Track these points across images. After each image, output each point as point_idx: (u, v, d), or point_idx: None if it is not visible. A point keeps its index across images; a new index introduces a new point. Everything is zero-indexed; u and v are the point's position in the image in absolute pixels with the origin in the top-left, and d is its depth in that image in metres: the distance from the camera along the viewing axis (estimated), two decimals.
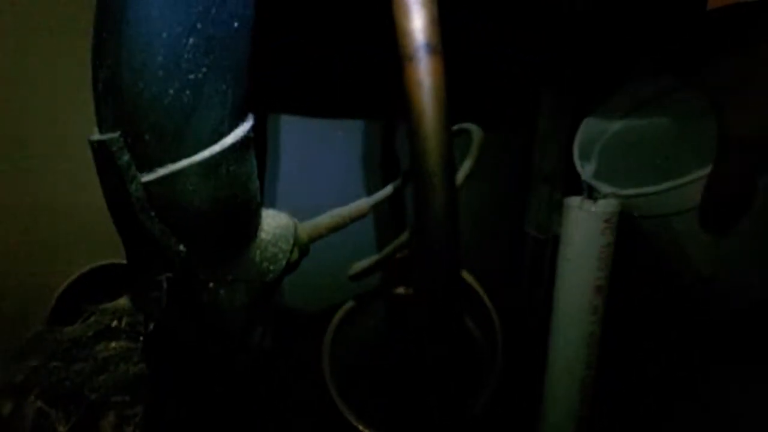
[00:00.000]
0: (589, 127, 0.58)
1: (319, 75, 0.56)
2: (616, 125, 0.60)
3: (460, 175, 0.41)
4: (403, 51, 0.29)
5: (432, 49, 0.29)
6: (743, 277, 0.58)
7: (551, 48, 0.57)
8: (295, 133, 0.59)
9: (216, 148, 0.34)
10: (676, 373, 0.66)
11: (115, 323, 0.43)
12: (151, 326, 0.36)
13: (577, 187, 0.57)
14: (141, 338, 0.40)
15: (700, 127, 0.54)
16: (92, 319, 0.43)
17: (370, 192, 0.45)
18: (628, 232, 0.57)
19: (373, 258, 0.44)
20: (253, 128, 0.36)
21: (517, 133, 0.62)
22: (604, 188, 0.54)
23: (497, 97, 0.61)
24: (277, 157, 0.59)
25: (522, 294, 0.63)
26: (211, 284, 0.35)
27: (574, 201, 0.57)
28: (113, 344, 0.42)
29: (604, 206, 0.56)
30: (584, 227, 0.55)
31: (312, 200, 0.58)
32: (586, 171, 0.56)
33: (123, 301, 0.42)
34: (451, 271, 0.30)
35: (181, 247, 0.34)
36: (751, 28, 0.48)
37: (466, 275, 0.45)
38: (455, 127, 0.45)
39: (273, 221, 0.39)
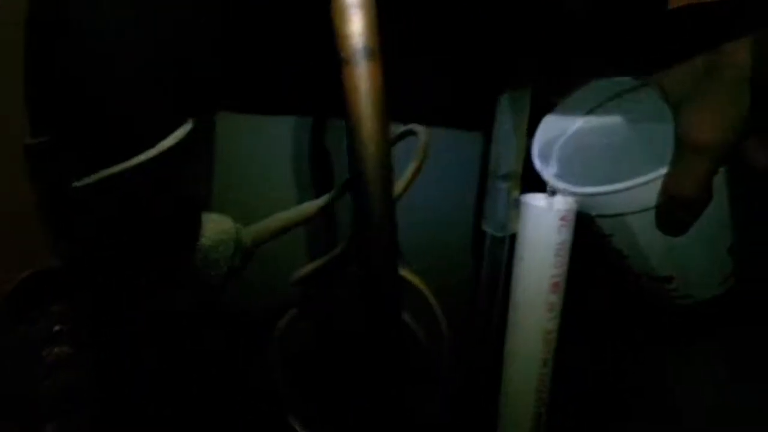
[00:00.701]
0: (548, 126, 0.58)
1: (269, 72, 0.55)
2: (575, 125, 0.60)
3: (405, 178, 0.41)
4: (341, 54, 0.29)
5: (370, 52, 0.29)
6: (699, 276, 0.59)
7: (509, 46, 0.57)
8: (243, 132, 0.58)
9: (153, 152, 0.33)
10: (638, 371, 0.66)
11: (58, 328, 0.42)
12: (91, 332, 0.35)
13: (535, 184, 0.57)
14: (82, 344, 0.39)
15: (658, 128, 0.54)
16: (36, 324, 0.43)
17: (322, 192, 0.44)
18: (587, 230, 0.57)
19: (316, 263, 0.43)
20: (193, 131, 0.35)
21: (477, 130, 0.62)
22: (561, 186, 0.54)
23: (456, 94, 0.60)
24: (224, 156, 0.58)
25: (481, 293, 0.63)
26: (151, 290, 0.35)
27: (530, 198, 0.57)
28: (57, 350, 0.41)
29: (561, 204, 0.56)
30: (540, 225, 0.56)
31: (261, 200, 0.58)
32: (544, 169, 0.56)
33: (65, 307, 0.41)
34: (390, 277, 0.30)
35: (120, 253, 0.33)
36: (710, 29, 0.48)
37: (412, 276, 0.45)
38: (402, 129, 0.45)
39: (215, 226, 0.38)
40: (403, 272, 0.44)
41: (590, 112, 0.59)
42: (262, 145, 0.59)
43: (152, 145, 0.33)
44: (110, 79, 0.31)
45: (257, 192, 0.58)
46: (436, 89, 0.60)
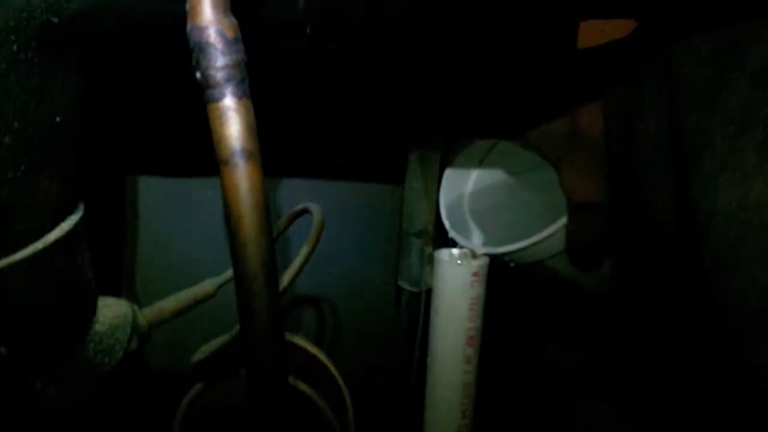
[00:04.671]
0: (450, 185, 0.60)
1: (183, 131, 0.55)
2: (470, 183, 0.62)
3: (298, 261, 0.41)
4: (219, 156, 0.29)
5: (248, 154, 0.29)
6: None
7: (419, 105, 0.58)
8: (160, 196, 0.57)
9: (39, 246, 0.33)
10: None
11: None
12: None
13: (449, 239, 0.58)
14: None
15: (543, 176, 0.56)
16: None
17: None
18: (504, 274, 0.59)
19: (218, 341, 0.43)
20: (82, 220, 0.35)
21: (393, 186, 0.63)
22: (476, 248, 0.56)
23: (372, 152, 0.61)
24: (142, 222, 0.57)
25: (400, 348, 0.64)
26: (38, 384, 0.34)
27: (443, 255, 0.58)
28: None
29: (473, 260, 0.57)
30: (454, 281, 0.57)
31: (183, 267, 0.58)
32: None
33: None
34: (275, 375, 0.30)
35: (3, 350, 0.33)
36: (577, 88, 0.50)
37: (311, 347, 0.45)
38: (299, 207, 0.45)
39: (109, 311, 0.38)
40: (304, 344, 0.45)
41: (480, 164, 0.60)
42: (190, 208, 0.59)
43: (38, 239, 0.33)
44: None
45: (186, 258, 0.58)
46: (356, 146, 0.61)
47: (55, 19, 0.31)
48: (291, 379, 0.43)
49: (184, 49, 0.30)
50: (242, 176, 0.29)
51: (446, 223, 0.57)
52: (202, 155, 0.56)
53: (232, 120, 0.29)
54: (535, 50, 0.52)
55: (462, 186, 0.62)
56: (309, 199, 0.49)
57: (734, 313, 0.35)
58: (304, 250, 0.42)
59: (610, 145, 0.46)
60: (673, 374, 0.57)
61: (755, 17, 0.36)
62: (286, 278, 0.41)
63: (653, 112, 0.41)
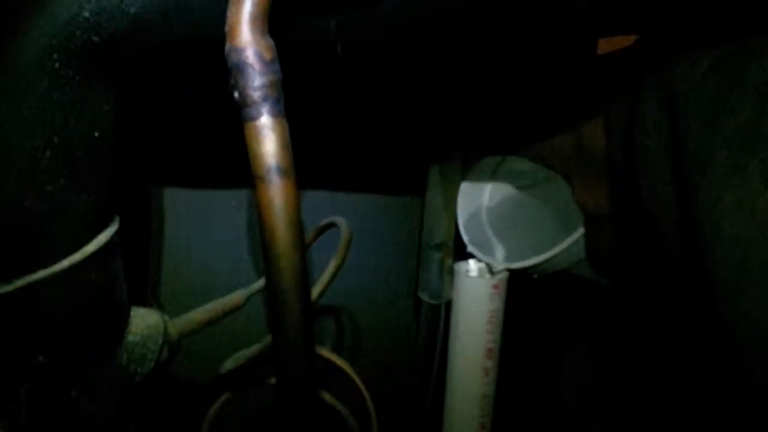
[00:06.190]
0: (466, 200, 0.61)
1: (207, 144, 0.56)
2: (486, 198, 0.63)
3: (327, 274, 0.42)
4: (255, 172, 0.30)
5: (282, 171, 0.30)
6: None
7: (439, 120, 0.59)
8: (185, 206, 0.58)
9: (77, 257, 0.33)
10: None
11: None
12: None
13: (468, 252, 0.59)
14: None
15: (551, 189, 0.57)
16: None
17: None
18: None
19: (249, 350, 0.44)
20: (117, 233, 0.36)
21: (413, 199, 0.64)
22: (496, 262, 0.56)
23: (393, 165, 0.62)
24: (167, 232, 0.58)
25: (419, 359, 0.64)
26: (73, 392, 0.35)
27: (463, 267, 0.59)
28: None
29: (493, 272, 0.58)
30: (473, 293, 0.57)
31: (206, 277, 0.59)
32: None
33: None
34: (306, 386, 0.31)
35: (41, 358, 0.34)
36: (583, 101, 0.50)
37: (339, 360, 0.45)
38: (326, 221, 0.46)
39: (141, 321, 0.39)
40: (333, 357, 0.45)
41: (492, 179, 0.61)
42: (214, 220, 0.60)
43: (76, 250, 0.34)
44: (30, 187, 0.32)
45: (209, 268, 0.58)
46: (377, 159, 0.62)
47: (96, 38, 0.32)
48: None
49: (218, 67, 0.31)
50: (277, 192, 0.30)
51: (465, 238, 0.58)
52: (226, 168, 0.57)
53: (268, 138, 0.30)
54: (552, 67, 0.52)
55: (478, 200, 0.62)
56: (330, 211, 0.50)
57: (740, 334, 0.35)
58: (332, 264, 0.42)
59: (612, 159, 0.46)
60: (690, 394, 0.57)
61: (755, 34, 0.36)
62: (315, 291, 0.42)
63: (654, 127, 0.40)
